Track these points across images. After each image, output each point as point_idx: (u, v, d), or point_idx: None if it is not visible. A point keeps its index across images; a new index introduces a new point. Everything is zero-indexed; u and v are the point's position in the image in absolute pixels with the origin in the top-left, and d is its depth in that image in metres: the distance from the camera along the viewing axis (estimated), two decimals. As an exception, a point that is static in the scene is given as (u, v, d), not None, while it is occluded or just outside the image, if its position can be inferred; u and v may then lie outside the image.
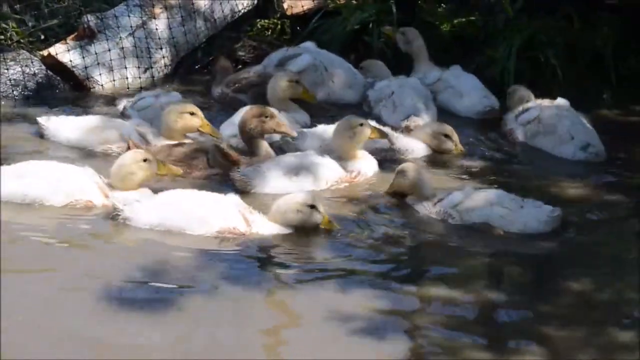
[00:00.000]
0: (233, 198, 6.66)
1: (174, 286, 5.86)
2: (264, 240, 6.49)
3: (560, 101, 8.62)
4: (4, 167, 6.95)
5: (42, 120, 8.15)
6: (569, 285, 6.01)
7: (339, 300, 5.75)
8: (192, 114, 7.88)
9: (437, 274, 6.20)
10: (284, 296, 5.91)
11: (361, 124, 7.63)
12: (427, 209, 6.99)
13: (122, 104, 8.84)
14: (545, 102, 8.69)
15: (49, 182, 6.83)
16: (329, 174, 7.43)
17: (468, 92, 9.17)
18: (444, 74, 9.33)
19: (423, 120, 8.65)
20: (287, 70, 9.01)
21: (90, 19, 9.70)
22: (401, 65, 9.82)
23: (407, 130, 8.50)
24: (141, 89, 9.59)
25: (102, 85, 9.57)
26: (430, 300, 5.82)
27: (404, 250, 6.55)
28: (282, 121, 7.77)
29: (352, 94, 9.38)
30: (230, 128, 8.13)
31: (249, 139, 7.62)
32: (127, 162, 6.96)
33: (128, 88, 9.62)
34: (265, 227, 6.58)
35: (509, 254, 6.49)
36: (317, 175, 7.39)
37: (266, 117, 7.58)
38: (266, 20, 10.72)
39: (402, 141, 8.17)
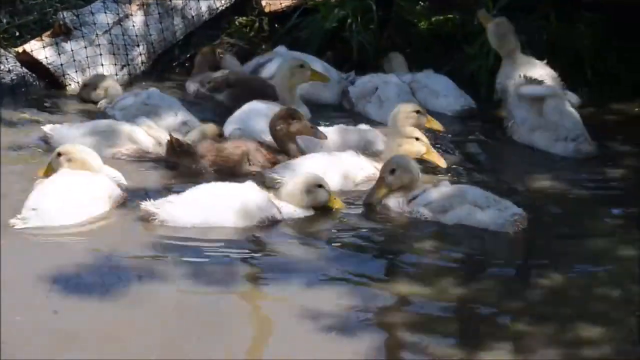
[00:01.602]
0: (253, 185, 6.73)
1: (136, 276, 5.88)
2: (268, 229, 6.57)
3: (571, 96, 8.61)
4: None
5: (47, 128, 7.99)
6: (539, 282, 5.98)
7: (311, 297, 5.72)
8: None
9: (409, 271, 6.16)
10: (256, 293, 5.89)
11: (417, 139, 7.42)
12: (400, 207, 6.92)
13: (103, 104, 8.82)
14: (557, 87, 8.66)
15: (96, 190, 6.74)
16: (358, 172, 7.37)
17: (444, 92, 9.20)
18: (417, 75, 9.37)
19: None
20: (290, 59, 8.95)
21: (66, 16, 9.67)
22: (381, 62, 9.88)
23: None
24: (118, 86, 9.55)
25: (78, 82, 9.52)
26: (402, 297, 5.78)
27: (377, 247, 6.52)
28: (310, 124, 7.67)
29: (328, 92, 9.37)
30: (232, 125, 8.14)
31: (278, 140, 7.61)
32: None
33: (104, 85, 9.57)
34: (293, 212, 6.73)
35: (482, 251, 6.47)
36: (346, 173, 7.33)
37: (293, 119, 7.56)
38: (244, 18, 10.70)
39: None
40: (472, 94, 9.32)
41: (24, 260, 6.05)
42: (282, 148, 7.63)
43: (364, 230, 6.70)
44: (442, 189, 6.90)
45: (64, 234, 6.45)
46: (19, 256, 6.07)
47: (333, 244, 6.44)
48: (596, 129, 8.55)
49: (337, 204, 6.90)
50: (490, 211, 6.68)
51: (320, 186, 6.84)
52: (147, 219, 6.56)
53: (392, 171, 6.94)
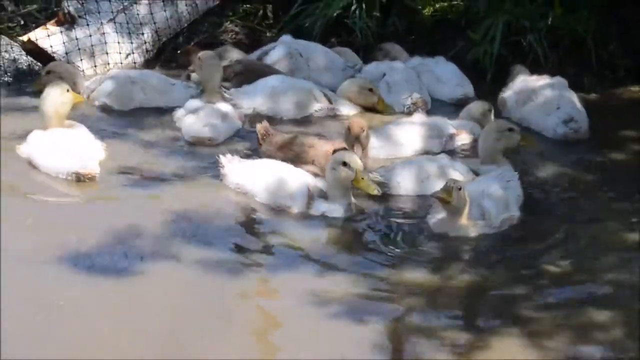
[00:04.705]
0: (311, 179, 6.86)
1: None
2: (294, 221, 6.63)
3: (559, 79, 8.67)
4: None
5: None
6: (546, 267, 6.02)
7: (320, 282, 5.77)
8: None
9: (414, 258, 6.17)
10: (267, 276, 5.94)
11: (510, 129, 7.27)
12: (477, 229, 6.47)
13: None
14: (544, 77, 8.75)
15: None
16: (458, 177, 6.93)
17: (445, 78, 9.23)
18: (426, 60, 9.39)
19: (424, 97, 8.79)
20: (361, 77, 9.01)
21: (71, 5, 9.66)
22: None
23: (415, 108, 8.55)
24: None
25: (83, 71, 9.50)
26: (408, 283, 5.82)
27: (382, 234, 6.50)
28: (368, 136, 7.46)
29: (331, 77, 9.35)
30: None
31: (350, 144, 7.36)
32: None
33: (110, 73, 9.58)
34: (323, 208, 6.68)
35: (486, 238, 6.43)
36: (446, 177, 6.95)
37: (363, 130, 7.37)
38: (248, 5, 10.70)
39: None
40: (477, 80, 9.30)
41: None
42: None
43: (378, 222, 6.67)
44: (485, 193, 6.63)
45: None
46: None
47: (346, 235, 6.46)
48: (598, 113, 8.57)
49: (368, 188, 6.67)
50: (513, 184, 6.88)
51: (344, 164, 6.64)
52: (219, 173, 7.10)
53: (459, 189, 6.34)
